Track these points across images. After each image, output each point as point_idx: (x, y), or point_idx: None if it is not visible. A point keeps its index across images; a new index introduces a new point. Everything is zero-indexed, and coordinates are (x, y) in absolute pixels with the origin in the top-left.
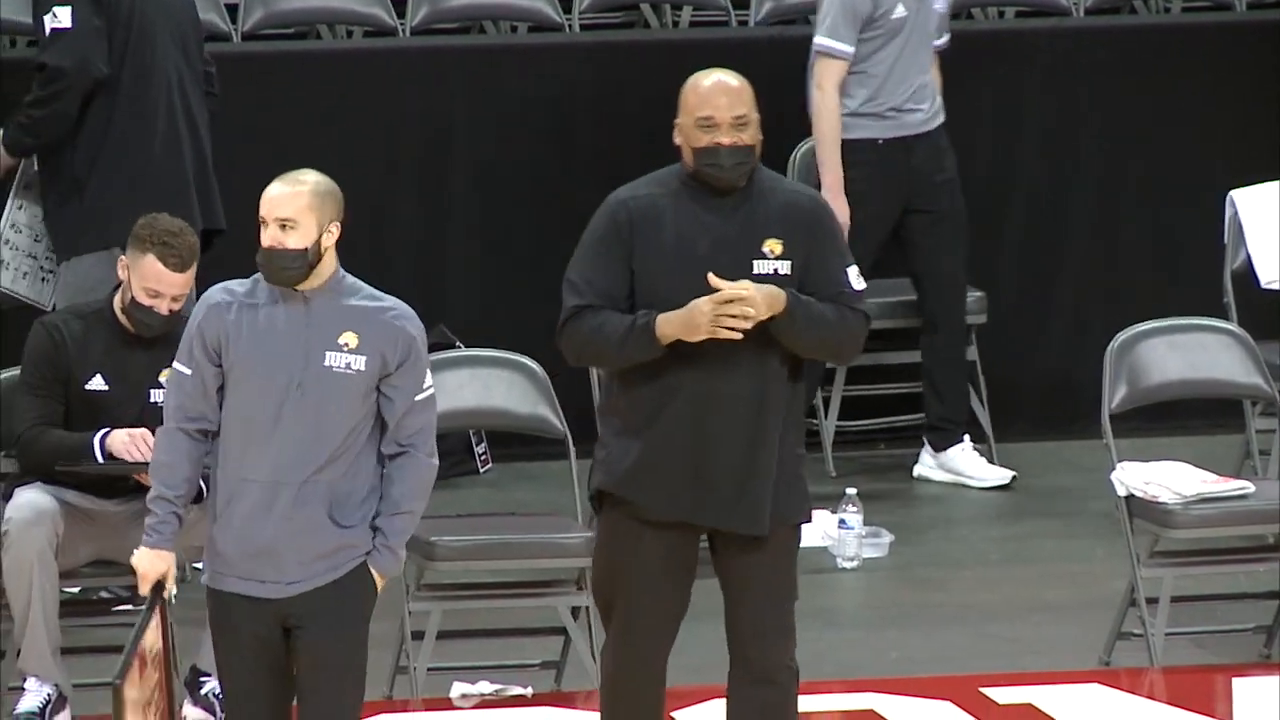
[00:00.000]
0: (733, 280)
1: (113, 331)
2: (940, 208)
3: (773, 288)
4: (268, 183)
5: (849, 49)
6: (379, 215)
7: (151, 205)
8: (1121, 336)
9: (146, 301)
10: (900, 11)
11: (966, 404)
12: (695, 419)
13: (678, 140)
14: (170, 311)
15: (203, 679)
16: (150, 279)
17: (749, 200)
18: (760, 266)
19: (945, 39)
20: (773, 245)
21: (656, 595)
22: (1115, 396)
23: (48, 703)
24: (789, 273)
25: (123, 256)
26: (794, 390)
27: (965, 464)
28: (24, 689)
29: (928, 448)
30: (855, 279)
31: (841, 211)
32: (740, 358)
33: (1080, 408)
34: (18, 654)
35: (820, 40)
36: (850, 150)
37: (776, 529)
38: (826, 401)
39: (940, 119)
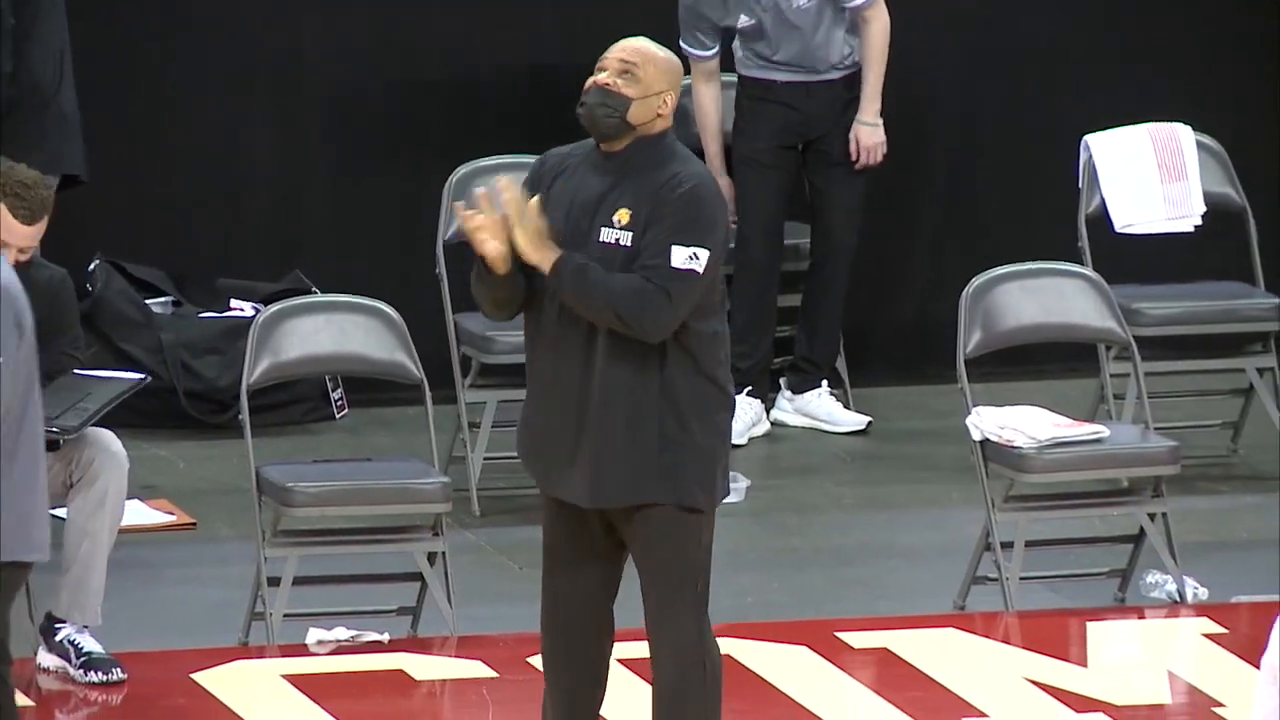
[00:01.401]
0: (577, 245)
1: None
2: (835, 150)
3: (547, 244)
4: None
5: (703, 52)
6: (233, 160)
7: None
8: (976, 281)
9: None
10: (744, 20)
11: (836, 351)
12: (542, 395)
13: None
14: (16, 262)
15: (57, 625)
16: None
17: (629, 168)
18: (605, 234)
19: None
20: (621, 215)
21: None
22: (970, 341)
23: None
24: (629, 245)
25: None
26: (652, 373)
27: (822, 409)
28: None
29: (785, 391)
30: (682, 259)
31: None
32: (570, 337)
33: (935, 352)
34: None
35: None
36: (747, 85)
37: (643, 510)
38: None
39: (844, 72)
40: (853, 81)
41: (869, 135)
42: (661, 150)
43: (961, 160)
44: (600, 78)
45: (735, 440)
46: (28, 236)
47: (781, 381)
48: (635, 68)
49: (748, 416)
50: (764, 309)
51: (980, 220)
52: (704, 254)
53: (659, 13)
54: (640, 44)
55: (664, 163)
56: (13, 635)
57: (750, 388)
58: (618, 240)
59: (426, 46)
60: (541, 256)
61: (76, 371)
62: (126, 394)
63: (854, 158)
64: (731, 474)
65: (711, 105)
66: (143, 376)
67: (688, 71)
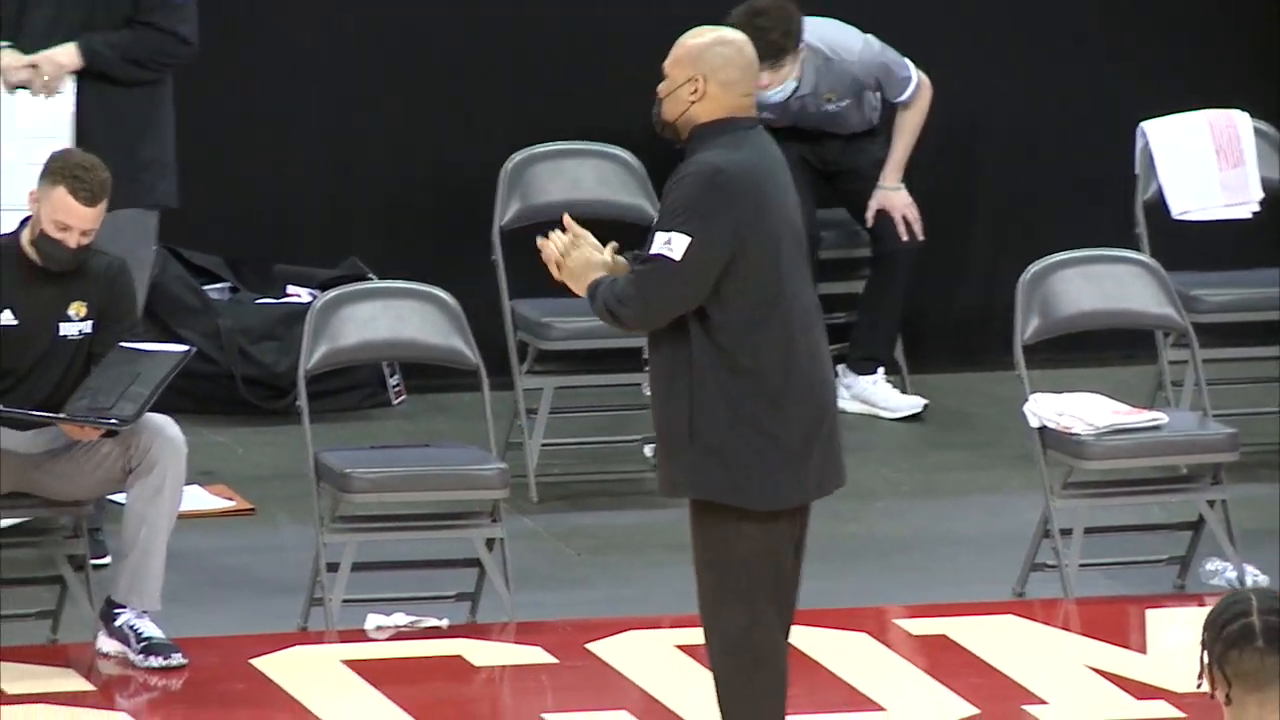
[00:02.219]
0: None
1: (21, 266)
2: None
3: (599, 273)
4: None
5: None
6: (289, 147)
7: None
8: (1034, 267)
9: (55, 234)
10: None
11: (894, 343)
12: None
13: None
14: (79, 245)
15: (117, 610)
16: (60, 211)
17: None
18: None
19: (900, 99)
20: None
21: None
22: (1028, 328)
23: None
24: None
25: (33, 190)
26: (682, 366)
27: (878, 394)
28: None
29: (841, 378)
30: (657, 244)
31: None
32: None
33: (993, 339)
34: None
35: None
36: None
37: (691, 504)
38: None
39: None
40: (874, 132)
41: (894, 198)
42: (702, 141)
43: (1019, 146)
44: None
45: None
46: (89, 218)
47: (838, 369)
48: (666, 69)
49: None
50: None
51: (1038, 206)
52: (680, 239)
53: None
54: (678, 43)
55: (692, 154)
56: (73, 620)
57: None
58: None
59: (483, 31)
60: (579, 287)
61: (124, 345)
62: (177, 369)
63: (870, 224)
64: None
65: None
66: (190, 348)
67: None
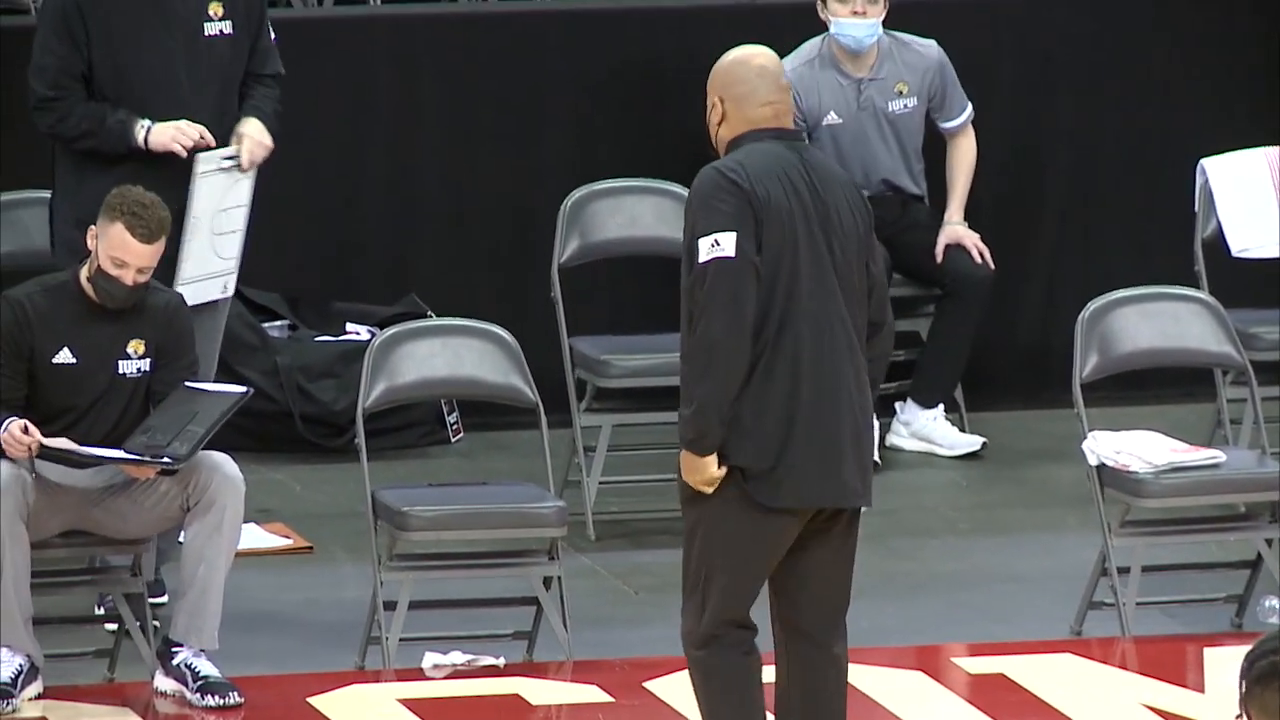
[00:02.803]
0: None
1: (79, 304)
2: (912, 213)
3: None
4: None
5: None
6: (349, 184)
7: None
8: (1093, 305)
9: (113, 271)
10: (833, 119)
11: (959, 377)
12: None
13: None
14: (135, 283)
15: (174, 649)
16: (117, 248)
17: None
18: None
19: (956, 122)
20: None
21: None
22: (1086, 365)
23: (19, 673)
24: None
25: (92, 226)
26: None
27: (937, 432)
28: None
29: (900, 415)
30: (711, 248)
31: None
32: None
33: (1052, 376)
34: None
35: None
36: None
37: None
38: None
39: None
40: (923, 199)
41: (962, 231)
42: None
43: (1078, 183)
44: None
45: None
46: (146, 256)
47: (897, 406)
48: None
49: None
50: None
51: (1097, 244)
52: (727, 236)
53: (762, 28)
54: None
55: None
56: (131, 658)
57: None
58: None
59: (543, 68)
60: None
61: (187, 385)
62: (232, 410)
63: (939, 259)
64: None
65: None
66: (247, 389)
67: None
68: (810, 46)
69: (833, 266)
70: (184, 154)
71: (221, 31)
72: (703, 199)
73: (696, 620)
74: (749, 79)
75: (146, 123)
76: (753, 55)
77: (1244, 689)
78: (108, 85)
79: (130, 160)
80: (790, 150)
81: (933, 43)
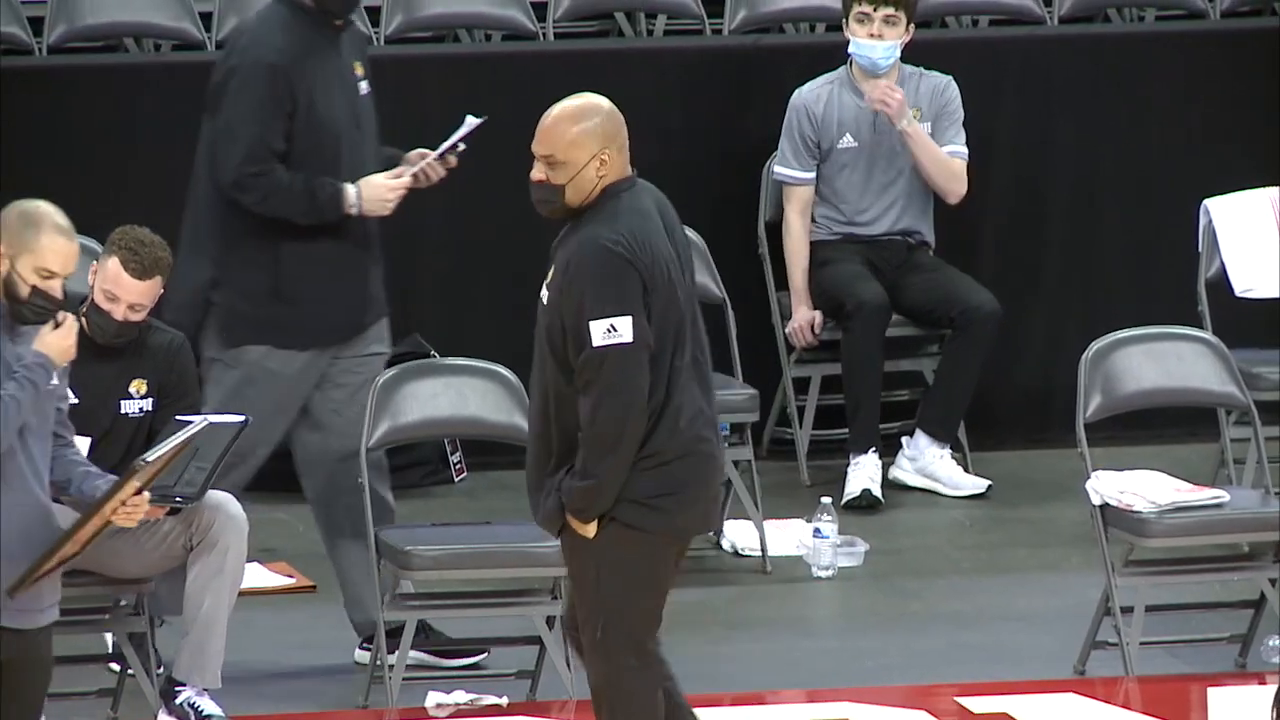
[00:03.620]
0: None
1: (81, 344)
2: (925, 265)
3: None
4: None
5: (804, 174)
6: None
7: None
8: (1096, 345)
9: (104, 305)
10: (849, 142)
11: (963, 412)
12: None
13: None
14: (125, 319)
15: (177, 688)
16: (110, 281)
17: (561, 241)
18: (544, 296)
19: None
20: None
21: None
22: (1090, 405)
23: None
24: (550, 311)
25: (94, 263)
26: None
27: (942, 470)
28: None
29: (905, 450)
30: (606, 333)
31: (803, 317)
32: None
33: (1055, 416)
34: None
35: (777, 170)
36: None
37: None
38: (801, 411)
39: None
40: (912, 246)
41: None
42: (598, 211)
43: (1081, 224)
44: (534, 173)
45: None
46: (138, 292)
47: (904, 440)
48: (553, 157)
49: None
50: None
51: (1099, 284)
52: (623, 321)
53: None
54: (551, 126)
55: (585, 224)
56: (135, 697)
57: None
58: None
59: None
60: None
61: (178, 417)
62: (234, 441)
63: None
64: (849, 538)
65: (801, 239)
66: (245, 417)
67: None
68: (830, 74)
69: (692, 298)
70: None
71: (366, 87)
72: (596, 279)
73: (627, 651)
74: (622, 126)
75: (351, 188)
76: (607, 102)
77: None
78: (304, 149)
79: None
80: (646, 192)
81: (947, 77)
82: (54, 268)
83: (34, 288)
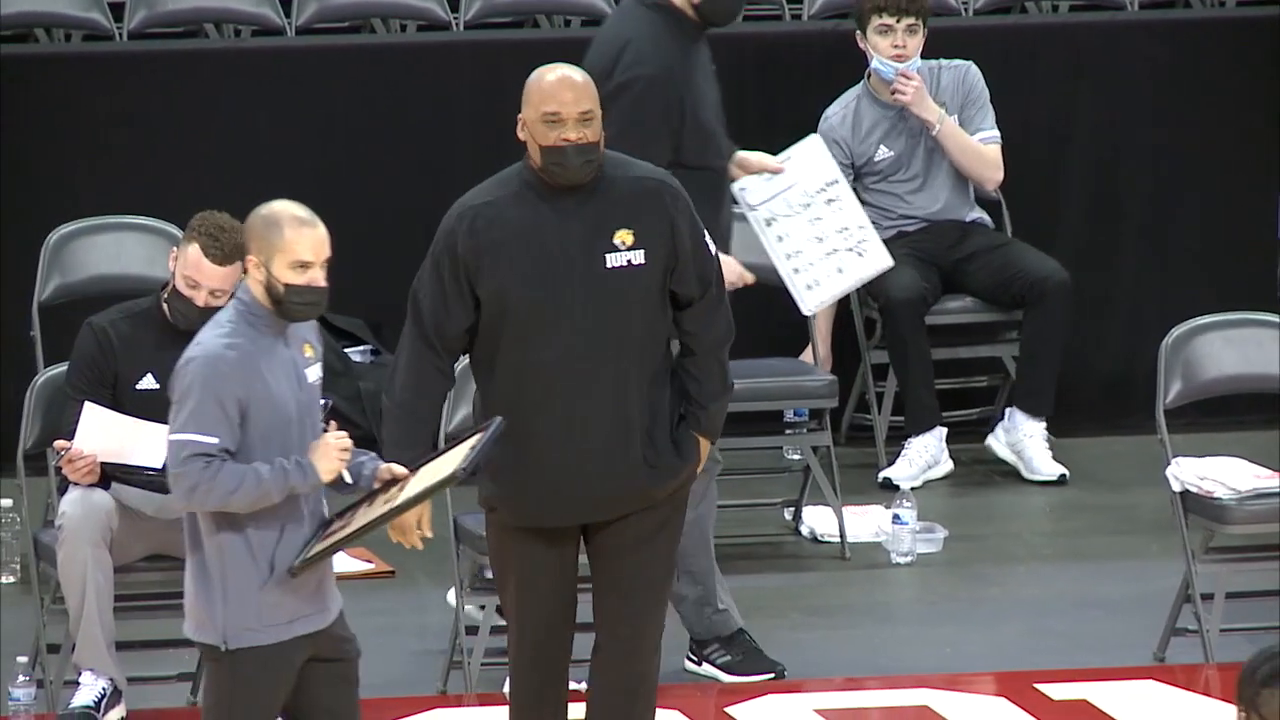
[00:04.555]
0: (583, 276)
1: (161, 330)
2: (985, 245)
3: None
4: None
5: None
6: (431, 209)
7: None
8: (1176, 332)
9: (185, 291)
10: (884, 153)
11: (1053, 385)
12: None
13: (521, 136)
14: (207, 305)
15: None
16: (191, 268)
17: (595, 192)
18: (613, 260)
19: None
20: (624, 236)
21: None
22: (1170, 391)
23: (103, 697)
24: (643, 262)
25: (173, 249)
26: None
27: (1030, 449)
28: (79, 683)
29: (1007, 420)
30: (711, 245)
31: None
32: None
33: (1135, 403)
34: (73, 648)
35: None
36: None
37: None
38: (880, 396)
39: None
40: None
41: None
42: (607, 159)
43: (1160, 211)
44: (571, 136)
45: (911, 483)
46: (219, 278)
47: (1006, 411)
48: (592, 111)
49: (925, 457)
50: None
51: (1178, 270)
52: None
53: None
54: (584, 82)
55: (619, 171)
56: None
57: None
58: (629, 262)
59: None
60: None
61: None
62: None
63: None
64: (928, 524)
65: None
66: (328, 399)
67: None
68: (849, 92)
69: None
70: None
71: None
72: (689, 203)
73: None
74: None
75: None
76: None
77: (1247, 695)
78: (690, 158)
79: None
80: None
81: (966, 62)
82: (306, 256)
83: (289, 284)
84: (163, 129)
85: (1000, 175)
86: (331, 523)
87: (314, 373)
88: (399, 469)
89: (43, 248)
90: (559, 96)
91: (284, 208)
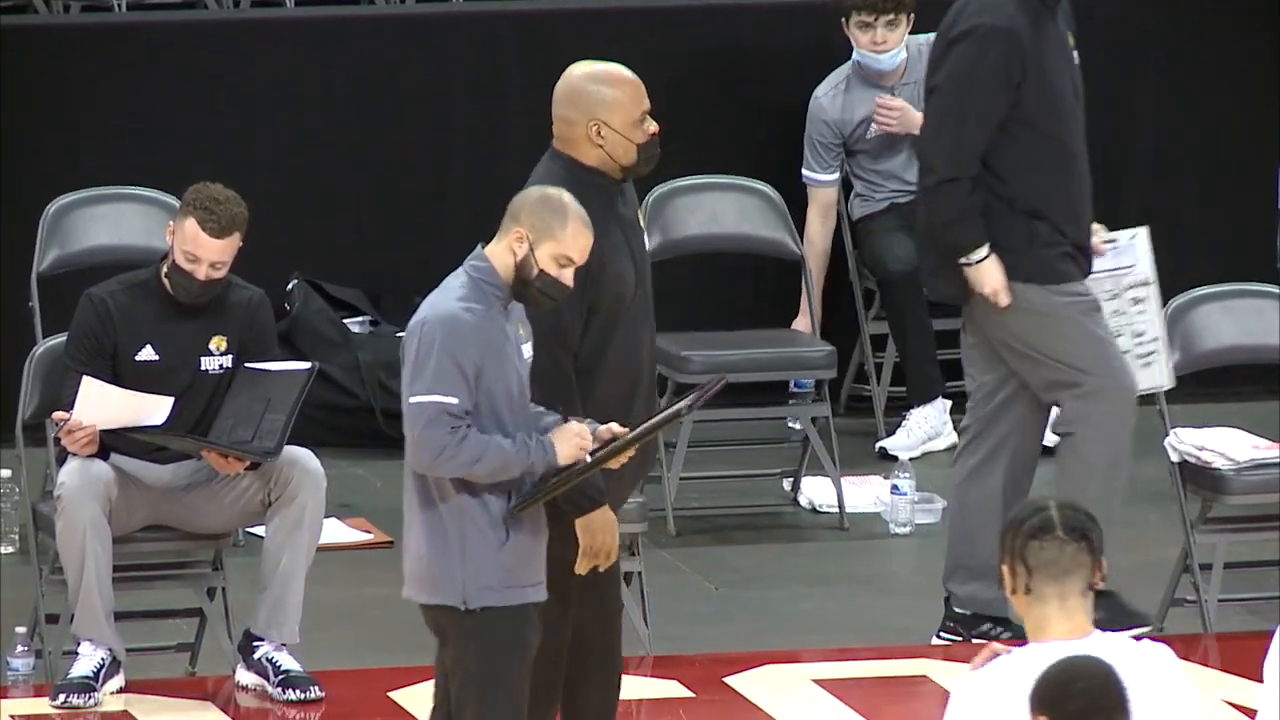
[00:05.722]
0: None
1: (160, 301)
2: None
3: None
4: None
5: (824, 176)
6: (431, 180)
7: None
8: (1176, 302)
9: (185, 266)
10: (874, 131)
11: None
12: None
13: (597, 142)
14: (208, 278)
15: (255, 643)
16: (189, 243)
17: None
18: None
19: None
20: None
21: None
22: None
23: (101, 667)
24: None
25: (170, 223)
26: None
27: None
28: (77, 653)
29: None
30: None
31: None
32: None
33: None
34: (72, 618)
35: (803, 172)
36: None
37: None
38: (879, 367)
39: None
40: None
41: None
42: None
43: (1161, 182)
44: (654, 128)
45: (909, 454)
46: (218, 251)
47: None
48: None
49: (925, 428)
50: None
51: (1179, 240)
52: None
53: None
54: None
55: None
56: (212, 652)
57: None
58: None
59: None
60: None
61: (246, 366)
62: (305, 389)
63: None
64: (926, 494)
65: (820, 245)
66: (313, 364)
67: None
68: (839, 70)
69: None
70: None
71: (1076, 57)
72: None
73: None
74: None
75: None
76: None
77: (1016, 547)
78: (1037, 121)
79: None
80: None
81: None
82: (575, 257)
83: (543, 272)
84: (161, 100)
85: None
86: (548, 478)
87: (527, 350)
88: (618, 428)
89: (41, 218)
90: (644, 90)
91: (571, 201)
